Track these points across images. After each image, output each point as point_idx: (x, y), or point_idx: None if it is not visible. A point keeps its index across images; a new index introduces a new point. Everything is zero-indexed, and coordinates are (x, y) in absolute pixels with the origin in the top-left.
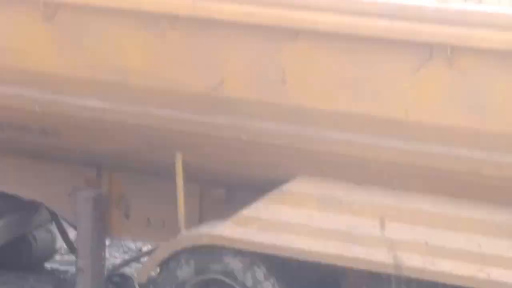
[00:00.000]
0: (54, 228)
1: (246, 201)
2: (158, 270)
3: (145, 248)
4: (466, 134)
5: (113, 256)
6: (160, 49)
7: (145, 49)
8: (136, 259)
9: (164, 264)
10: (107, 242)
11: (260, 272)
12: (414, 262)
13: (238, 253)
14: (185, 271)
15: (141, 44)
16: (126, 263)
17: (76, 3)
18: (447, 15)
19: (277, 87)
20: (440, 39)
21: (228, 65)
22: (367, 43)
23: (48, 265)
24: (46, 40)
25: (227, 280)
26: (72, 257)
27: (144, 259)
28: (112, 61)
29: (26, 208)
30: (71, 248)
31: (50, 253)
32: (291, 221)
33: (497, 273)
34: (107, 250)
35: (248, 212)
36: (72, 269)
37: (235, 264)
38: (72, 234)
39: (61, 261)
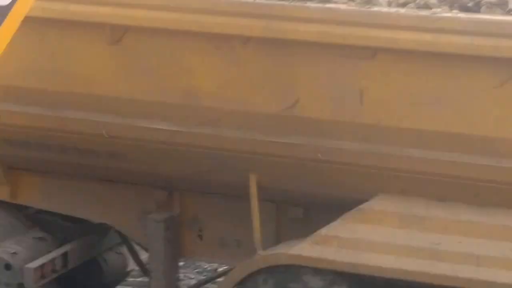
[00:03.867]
0: (125, 251)
1: (324, 221)
2: None
3: (221, 269)
4: None
5: (188, 277)
6: (232, 70)
7: (216, 70)
8: (212, 280)
9: (242, 285)
10: (182, 263)
11: None
12: (502, 278)
13: (318, 272)
14: None
15: (212, 65)
16: (202, 284)
17: (143, 26)
18: None
19: (355, 107)
20: None
21: (303, 84)
22: (447, 60)
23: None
24: (113, 64)
25: None
26: (145, 280)
27: (220, 280)
28: (181, 83)
29: (96, 231)
30: (144, 270)
31: (121, 276)
32: (372, 239)
33: None
34: (181, 271)
35: (327, 231)
36: None
37: (315, 283)
38: (144, 256)
39: (133, 283)
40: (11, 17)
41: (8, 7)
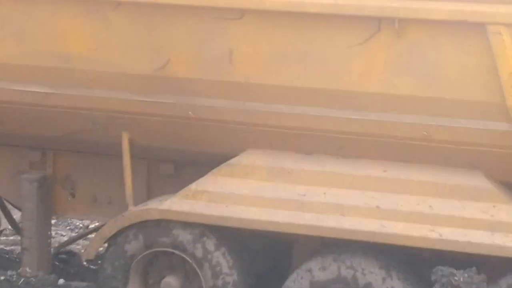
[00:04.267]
0: None
1: (194, 177)
2: (106, 246)
3: (92, 225)
4: (415, 102)
5: (60, 235)
6: (103, 34)
7: (88, 34)
8: (83, 236)
9: (113, 240)
10: (53, 221)
11: (210, 243)
12: (366, 226)
13: (188, 226)
14: (133, 246)
15: (84, 29)
16: (73, 240)
17: None
18: None
19: (224, 66)
20: (388, 13)
21: (173, 46)
22: (313, 20)
23: None
24: None
25: (176, 252)
26: (17, 238)
27: (92, 236)
28: (54, 47)
29: None
30: (16, 228)
31: None
32: (240, 193)
33: (448, 232)
34: (53, 229)
35: (196, 186)
36: (18, 249)
37: (184, 236)
38: (16, 215)
39: (6, 242)
40: None
41: None
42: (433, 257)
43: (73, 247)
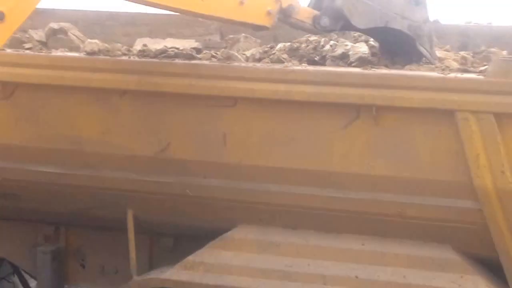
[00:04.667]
0: (16, 279)
1: (192, 249)
2: None
3: None
4: (390, 182)
5: None
6: (111, 119)
7: (96, 120)
8: None
9: None
10: None
11: None
12: None
13: None
14: None
15: (93, 115)
16: None
17: (31, 83)
18: (372, 78)
19: (219, 149)
20: (366, 101)
21: (173, 131)
22: (299, 107)
23: None
24: (5, 116)
25: None
26: None
27: None
28: (66, 131)
29: None
30: None
31: None
32: (233, 264)
33: None
34: None
35: (193, 257)
36: None
37: None
38: (33, 284)
39: None
40: None
41: None
42: None
43: None
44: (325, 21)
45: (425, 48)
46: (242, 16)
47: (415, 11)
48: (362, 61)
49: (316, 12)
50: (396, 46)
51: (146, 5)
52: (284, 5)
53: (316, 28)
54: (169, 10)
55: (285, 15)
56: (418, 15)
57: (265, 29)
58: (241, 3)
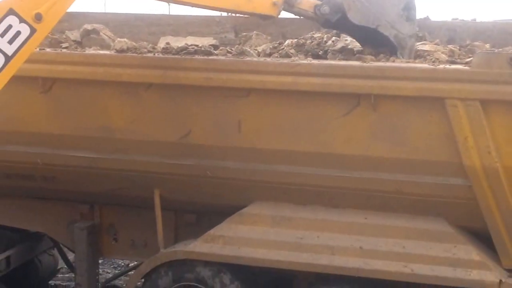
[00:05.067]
0: (56, 252)
1: (212, 224)
2: (142, 281)
3: (132, 264)
4: (389, 162)
5: (106, 272)
6: (138, 110)
7: (125, 110)
8: (125, 273)
9: (147, 276)
10: (100, 261)
11: (226, 278)
12: (352, 264)
13: (208, 264)
14: (164, 281)
15: (122, 106)
16: (116, 276)
17: (68, 78)
18: (369, 70)
19: (234, 134)
20: (365, 90)
21: (193, 119)
22: (305, 96)
23: (52, 282)
24: (45, 108)
25: (199, 285)
26: (71, 275)
27: (131, 273)
28: (99, 121)
29: (32, 238)
30: (71, 267)
31: (53, 272)
32: (250, 237)
33: (418, 268)
34: (100, 267)
35: (214, 231)
36: (72, 284)
37: (205, 272)
38: (71, 256)
39: (62, 278)
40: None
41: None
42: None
43: (117, 282)
44: (325, 9)
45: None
46: (251, 7)
47: (405, 25)
48: (347, 52)
49: (317, 2)
50: (378, 47)
51: (168, 2)
52: None
53: (316, 15)
54: (188, 6)
55: (289, 5)
56: (406, 29)
57: (271, 18)
58: None
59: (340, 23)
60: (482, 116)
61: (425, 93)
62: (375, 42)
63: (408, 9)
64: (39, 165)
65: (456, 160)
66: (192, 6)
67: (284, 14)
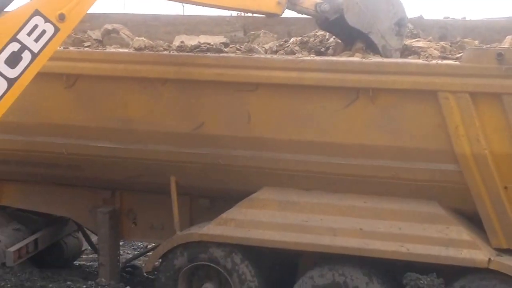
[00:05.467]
0: (80, 235)
1: (224, 208)
2: (160, 261)
3: (150, 246)
4: (386, 150)
5: (126, 253)
6: (155, 103)
7: (143, 104)
8: (143, 254)
9: (165, 256)
10: (121, 243)
11: (237, 258)
12: (353, 244)
13: (220, 245)
14: (180, 261)
15: (141, 100)
16: (136, 257)
17: (90, 74)
18: (368, 66)
19: (244, 125)
20: (364, 84)
21: (206, 111)
22: (309, 90)
23: (76, 263)
24: (69, 101)
25: (212, 264)
26: (94, 256)
27: (150, 253)
28: (119, 114)
29: (58, 222)
30: (94, 249)
31: (78, 253)
32: (259, 220)
33: (413, 247)
34: (121, 249)
35: (226, 215)
36: (95, 264)
37: (218, 253)
38: (94, 239)
39: (86, 259)
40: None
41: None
42: (404, 266)
43: (136, 262)
44: (325, 7)
45: None
46: (257, 6)
47: (393, 39)
48: (336, 46)
49: (318, 0)
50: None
51: (182, 2)
52: None
53: (317, 12)
54: (200, 5)
55: (292, 4)
56: (394, 43)
57: (276, 16)
58: None
59: (336, 23)
60: (472, 107)
61: (419, 87)
62: (364, 46)
63: (400, 25)
64: (64, 154)
65: (448, 147)
66: (204, 6)
67: (289, 14)
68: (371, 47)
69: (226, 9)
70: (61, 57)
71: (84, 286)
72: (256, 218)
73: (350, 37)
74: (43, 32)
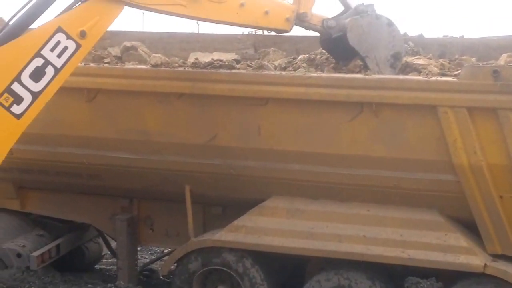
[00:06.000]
0: (100, 240)
1: (236, 216)
2: (175, 265)
3: (166, 251)
4: (388, 161)
5: (144, 257)
6: (171, 116)
7: (160, 116)
8: (160, 258)
9: (180, 261)
10: (139, 248)
11: (248, 262)
12: (357, 250)
13: (232, 251)
14: (194, 265)
15: (157, 113)
16: (153, 261)
17: (109, 89)
18: (371, 82)
19: (255, 138)
20: (368, 99)
21: (219, 124)
22: (315, 105)
23: (97, 266)
24: (90, 114)
25: (225, 269)
26: (114, 260)
27: (166, 258)
28: (136, 126)
29: (79, 228)
30: (113, 253)
31: (98, 258)
32: (268, 227)
33: (414, 253)
34: (139, 254)
35: (237, 222)
36: (114, 268)
37: (230, 258)
38: (113, 244)
39: (106, 263)
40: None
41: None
42: (405, 270)
43: (153, 266)
44: (331, 23)
45: None
46: (267, 23)
47: (387, 69)
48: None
49: (325, 17)
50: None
51: (197, 20)
52: (300, 12)
53: (323, 27)
54: (212, 23)
55: (300, 20)
56: (387, 73)
57: (285, 32)
58: (266, 13)
59: (337, 41)
60: (469, 121)
61: (419, 102)
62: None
63: (395, 59)
64: (85, 164)
65: (446, 159)
66: (217, 23)
67: (297, 32)
68: (365, 69)
69: (238, 25)
70: (82, 73)
71: None
72: (265, 225)
73: (347, 57)
74: (65, 48)
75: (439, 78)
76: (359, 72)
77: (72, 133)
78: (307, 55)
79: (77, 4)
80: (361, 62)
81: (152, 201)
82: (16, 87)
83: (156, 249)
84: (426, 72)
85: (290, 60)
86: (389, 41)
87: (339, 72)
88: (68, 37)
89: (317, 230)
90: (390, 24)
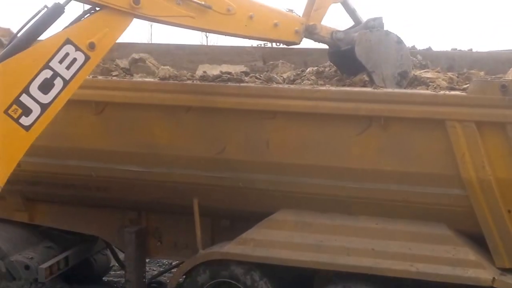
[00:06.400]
0: (108, 252)
1: (244, 228)
2: (184, 277)
3: (174, 263)
4: (396, 175)
5: (152, 269)
6: (179, 129)
7: (168, 130)
8: (168, 270)
9: (188, 273)
10: (147, 260)
11: (256, 275)
12: (365, 263)
13: (240, 263)
14: (203, 277)
15: (165, 126)
16: (161, 274)
17: (117, 102)
18: (380, 96)
19: (263, 151)
20: (376, 113)
21: (227, 137)
22: (324, 118)
23: (105, 278)
24: (98, 127)
25: (233, 281)
26: (122, 272)
27: (174, 270)
28: (144, 139)
29: (87, 240)
30: (121, 265)
31: (106, 270)
32: (276, 240)
33: (422, 267)
34: (147, 266)
35: (246, 235)
36: (122, 280)
37: (238, 270)
38: (121, 256)
39: (114, 275)
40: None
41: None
42: (413, 284)
43: (161, 278)
44: (340, 35)
45: None
46: (276, 35)
47: (393, 87)
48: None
49: (334, 29)
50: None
51: (206, 32)
52: (309, 24)
53: (332, 39)
54: (221, 35)
55: (309, 33)
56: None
57: (295, 44)
58: (275, 25)
59: (345, 54)
60: (477, 135)
61: (428, 116)
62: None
63: (402, 77)
64: (93, 177)
65: (455, 173)
66: (227, 35)
67: (306, 45)
68: (371, 83)
69: (247, 38)
70: (91, 86)
71: None
72: (274, 238)
73: (353, 71)
74: (74, 60)
75: (447, 92)
76: (363, 86)
77: (81, 146)
78: (316, 68)
79: (86, 16)
80: (367, 78)
81: (160, 214)
82: (24, 98)
83: (165, 261)
84: (434, 86)
85: (299, 72)
86: (396, 59)
87: (344, 86)
88: (77, 48)
89: (326, 243)
90: (399, 42)
